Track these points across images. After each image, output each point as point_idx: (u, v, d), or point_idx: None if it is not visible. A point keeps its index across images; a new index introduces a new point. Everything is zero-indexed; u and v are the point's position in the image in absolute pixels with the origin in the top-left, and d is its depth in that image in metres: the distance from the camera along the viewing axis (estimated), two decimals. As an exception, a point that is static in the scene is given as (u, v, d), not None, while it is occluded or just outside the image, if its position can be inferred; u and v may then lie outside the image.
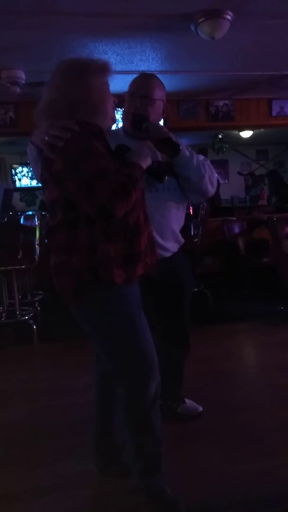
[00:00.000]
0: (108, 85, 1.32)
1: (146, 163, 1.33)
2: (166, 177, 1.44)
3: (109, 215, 1.18)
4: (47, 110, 1.28)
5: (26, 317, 3.39)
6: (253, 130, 6.69)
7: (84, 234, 1.24)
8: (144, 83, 1.64)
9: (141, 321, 1.34)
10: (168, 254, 1.70)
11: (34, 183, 8.78)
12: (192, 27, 3.05)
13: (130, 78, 1.70)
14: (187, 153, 1.59)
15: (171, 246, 1.73)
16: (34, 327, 3.24)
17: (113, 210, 1.17)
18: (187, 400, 2.06)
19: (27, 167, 8.81)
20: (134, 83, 1.64)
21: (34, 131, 1.34)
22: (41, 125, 1.27)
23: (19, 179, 8.97)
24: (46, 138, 1.21)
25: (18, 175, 8.97)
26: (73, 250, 1.26)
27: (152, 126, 1.50)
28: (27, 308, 3.65)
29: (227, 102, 5.23)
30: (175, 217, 1.73)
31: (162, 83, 1.68)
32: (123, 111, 1.69)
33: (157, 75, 1.73)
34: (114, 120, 1.37)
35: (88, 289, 1.27)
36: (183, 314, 1.88)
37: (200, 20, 2.94)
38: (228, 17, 2.92)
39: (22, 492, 1.61)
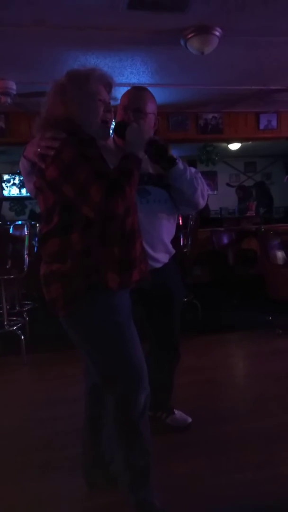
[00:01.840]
0: (95, 96, 1.31)
1: (140, 148, 1.33)
2: (168, 153, 1.45)
3: (108, 214, 1.20)
4: (41, 126, 1.30)
5: (14, 328, 3.35)
6: (241, 143, 6.81)
7: (78, 239, 1.25)
8: (137, 96, 1.67)
9: (131, 331, 1.34)
10: (158, 265, 1.71)
11: (24, 191, 8.75)
12: (182, 42, 3.11)
13: (121, 90, 1.72)
14: (181, 166, 1.62)
15: (162, 257, 1.74)
16: (22, 337, 3.20)
17: (110, 209, 1.18)
18: (176, 411, 2.05)
19: (16, 176, 8.79)
20: (126, 96, 1.66)
21: (26, 145, 1.35)
22: (34, 139, 1.29)
23: (7, 187, 8.93)
24: (38, 150, 1.23)
25: (7, 183, 8.93)
26: (66, 255, 1.26)
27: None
28: (15, 318, 3.61)
29: (215, 115, 5.33)
30: (166, 228, 1.74)
31: (153, 96, 1.71)
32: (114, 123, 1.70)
33: (147, 88, 1.76)
34: (102, 135, 1.36)
35: (78, 297, 1.26)
36: (173, 324, 1.88)
37: (189, 36, 3.01)
38: (217, 33, 2.99)
39: (8, 506, 1.57)
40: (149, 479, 1.40)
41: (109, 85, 1.36)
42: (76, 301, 1.27)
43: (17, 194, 8.95)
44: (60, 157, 1.20)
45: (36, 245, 4.13)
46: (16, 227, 3.87)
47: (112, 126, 1.47)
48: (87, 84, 1.30)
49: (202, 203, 1.71)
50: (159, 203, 1.68)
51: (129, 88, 1.72)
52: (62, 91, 1.29)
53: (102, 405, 1.48)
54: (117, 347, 1.31)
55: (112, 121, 1.41)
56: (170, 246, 1.80)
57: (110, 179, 1.19)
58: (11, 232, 3.87)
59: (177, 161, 1.58)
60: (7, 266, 3.47)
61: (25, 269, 3.31)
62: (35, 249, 4.05)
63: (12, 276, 3.38)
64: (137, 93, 1.69)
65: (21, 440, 2.00)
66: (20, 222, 4.60)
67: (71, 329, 1.34)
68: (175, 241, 1.84)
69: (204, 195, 1.70)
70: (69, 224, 1.25)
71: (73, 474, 1.65)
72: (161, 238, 1.72)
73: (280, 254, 3.56)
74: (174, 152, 1.67)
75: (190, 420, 2.03)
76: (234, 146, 6.99)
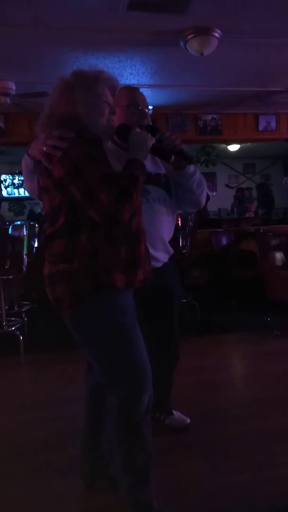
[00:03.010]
0: (102, 97, 1.31)
1: (145, 155, 1.34)
2: (173, 157, 1.48)
3: (115, 220, 1.20)
4: (45, 124, 1.30)
5: (13, 328, 3.35)
6: (240, 144, 6.82)
7: (85, 239, 1.24)
8: (137, 95, 1.70)
9: (136, 332, 1.34)
10: (158, 265, 1.72)
11: (21, 191, 8.75)
12: (182, 43, 3.12)
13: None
14: (193, 166, 1.67)
15: (162, 256, 1.75)
16: (21, 338, 3.20)
17: (118, 214, 1.19)
18: (174, 412, 2.05)
19: (15, 176, 8.78)
20: (125, 96, 1.67)
21: (31, 143, 1.35)
22: (39, 137, 1.29)
23: (6, 188, 8.93)
24: (44, 148, 1.23)
25: (4, 183, 8.92)
26: (73, 255, 1.25)
27: (166, 137, 1.53)
28: (14, 319, 3.61)
29: (215, 116, 5.34)
30: (166, 227, 1.75)
31: None
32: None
33: (147, 89, 1.79)
34: (106, 137, 1.37)
35: (85, 297, 1.26)
36: (172, 325, 1.89)
37: (189, 37, 3.02)
38: (216, 34, 3.00)
39: (6, 506, 1.57)
40: (149, 480, 1.39)
41: (113, 88, 1.36)
42: (82, 301, 1.27)
43: (16, 194, 8.94)
44: (68, 156, 1.20)
45: (35, 245, 4.14)
46: (15, 228, 3.87)
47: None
48: (95, 86, 1.30)
49: (204, 201, 1.80)
50: (158, 202, 1.69)
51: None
52: (69, 89, 1.29)
53: (102, 406, 1.48)
54: (123, 347, 1.31)
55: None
56: (169, 245, 1.81)
57: (120, 185, 1.20)
58: (10, 232, 3.87)
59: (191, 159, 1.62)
60: (6, 267, 3.47)
61: (24, 269, 3.31)
62: (34, 250, 4.05)
63: (11, 277, 3.38)
64: (135, 92, 1.72)
65: (19, 441, 1.99)
66: (19, 223, 4.60)
67: (76, 330, 1.33)
68: (174, 242, 1.86)
69: (206, 195, 1.79)
70: (76, 224, 1.25)
71: (72, 475, 1.65)
72: (161, 237, 1.73)
73: (278, 255, 3.57)
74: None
75: (188, 421, 2.03)
76: (233, 147, 7.00)
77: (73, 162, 1.19)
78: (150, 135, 1.38)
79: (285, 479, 1.66)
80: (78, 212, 1.23)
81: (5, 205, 8.85)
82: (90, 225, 1.23)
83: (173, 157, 1.48)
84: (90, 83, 1.29)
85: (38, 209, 8.63)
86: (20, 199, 8.97)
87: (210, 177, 9.22)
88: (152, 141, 1.37)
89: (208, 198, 1.97)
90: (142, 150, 1.34)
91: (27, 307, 3.97)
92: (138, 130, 1.40)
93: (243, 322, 3.83)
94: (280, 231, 4.22)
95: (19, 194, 8.90)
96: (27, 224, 3.71)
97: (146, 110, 1.68)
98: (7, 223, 5.96)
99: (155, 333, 1.88)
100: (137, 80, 3.95)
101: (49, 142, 1.22)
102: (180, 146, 1.54)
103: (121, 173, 1.26)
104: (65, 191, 1.22)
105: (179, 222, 4.20)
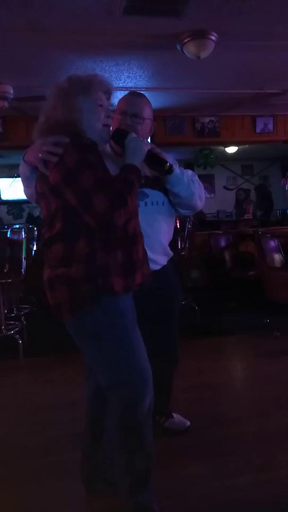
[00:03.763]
0: (97, 101, 1.32)
1: (140, 160, 1.35)
2: (168, 164, 1.47)
3: (110, 225, 1.20)
4: (42, 130, 1.31)
5: (12, 332, 3.34)
6: (238, 146, 6.84)
7: (83, 244, 1.25)
8: (135, 102, 1.68)
9: (136, 335, 1.34)
10: (157, 267, 1.72)
11: (20, 194, 8.72)
12: (178, 47, 3.13)
13: (118, 95, 1.73)
14: (178, 172, 1.64)
15: (161, 259, 1.75)
16: (20, 341, 3.20)
17: (113, 219, 1.19)
18: (174, 415, 2.05)
19: (11, 177, 8.78)
20: (124, 102, 1.67)
21: (27, 149, 1.35)
22: (35, 143, 1.29)
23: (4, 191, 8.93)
24: (40, 155, 1.23)
25: (3, 186, 8.91)
26: (71, 260, 1.26)
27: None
28: (13, 322, 3.60)
29: (212, 118, 5.36)
30: (164, 230, 1.75)
31: (149, 102, 1.73)
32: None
33: (144, 92, 1.78)
34: (103, 141, 1.38)
35: (85, 301, 1.26)
36: (172, 327, 1.89)
37: (185, 40, 3.03)
38: (213, 37, 3.01)
39: (6, 510, 1.57)
40: (149, 483, 1.39)
41: (108, 92, 1.37)
42: (82, 305, 1.27)
43: (14, 198, 8.93)
44: (63, 161, 1.21)
45: (34, 249, 4.14)
46: (14, 231, 3.87)
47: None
48: (89, 90, 1.30)
49: (199, 205, 1.75)
50: (157, 205, 1.69)
51: (126, 93, 1.73)
52: (64, 95, 1.29)
53: (103, 409, 1.47)
54: (123, 350, 1.31)
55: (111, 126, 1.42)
56: (168, 248, 1.81)
57: (114, 190, 1.20)
58: (8, 236, 3.87)
59: (174, 167, 1.59)
60: (5, 270, 3.47)
61: (23, 273, 3.31)
62: (33, 253, 4.05)
63: (9, 280, 3.38)
64: (135, 98, 1.70)
65: (19, 444, 1.99)
66: (17, 226, 4.60)
67: (76, 333, 1.33)
68: (172, 244, 1.85)
69: (202, 198, 1.74)
70: (73, 229, 1.25)
71: (72, 478, 1.64)
72: (159, 240, 1.73)
73: (277, 256, 3.57)
74: (171, 156, 1.69)
75: (188, 423, 2.03)
76: (231, 150, 7.02)
77: (69, 167, 1.20)
78: (147, 141, 1.39)
79: (286, 481, 1.66)
80: (74, 217, 1.23)
81: (3, 208, 8.86)
82: (88, 230, 1.24)
83: (168, 164, 1.48)
84: (84, 88, 1.30)
85: (36, 212, 8.64)
86: (19, 202, 8.97)
87: (208, 179, 9.25)
88: (148, 146, 1.38)
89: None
90: (138, 155, 1.35)
91: (26, 311, 3.97)
92: (134, 135, 1.41)
93: (243, 323, 3.83)
94: (278, 233, 4.22)
95: (17, 197, 8.89)
96: (25, 227, 3.72)
97: (143, 119, 1.65)
98: (6, 227, 5.97)
99: (154, 336, 1.87)
100: (134, 83, 3.97)
101: (45, 148, 1.23)
102: (161, 156, 1.53)
103: (116, 178, 1.26)
104: (61, 196, 1.23)
105: (178, 224, 4.21)
